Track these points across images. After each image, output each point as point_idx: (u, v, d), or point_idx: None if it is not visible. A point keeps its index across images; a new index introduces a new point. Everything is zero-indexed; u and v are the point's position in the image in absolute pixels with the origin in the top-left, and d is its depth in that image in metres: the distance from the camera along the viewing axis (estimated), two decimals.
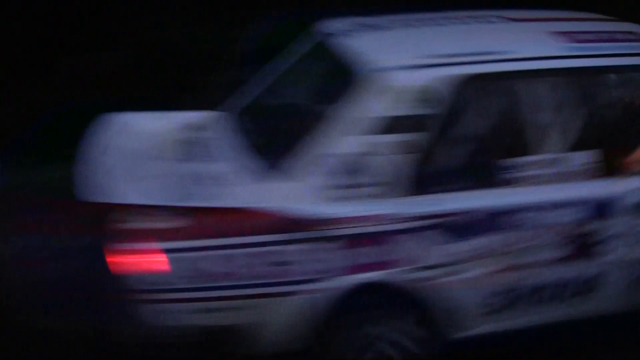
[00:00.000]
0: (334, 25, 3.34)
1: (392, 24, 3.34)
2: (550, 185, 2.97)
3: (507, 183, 2.93)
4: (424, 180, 2.83)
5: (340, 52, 3.07)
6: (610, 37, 3.27)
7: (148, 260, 2.63)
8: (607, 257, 3.02)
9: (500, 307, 2.96)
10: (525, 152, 2.95)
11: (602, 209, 3.01)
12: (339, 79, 2.96)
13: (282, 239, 2.69)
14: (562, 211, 2.96)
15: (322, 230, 2.71)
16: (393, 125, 2.79)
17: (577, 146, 3.00)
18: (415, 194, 2.82)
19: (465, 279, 2.88)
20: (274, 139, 3.02)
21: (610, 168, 3.04)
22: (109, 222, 2.62)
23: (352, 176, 2.77)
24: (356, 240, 2.75)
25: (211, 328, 2.73)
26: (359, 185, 2.78)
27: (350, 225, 2.74)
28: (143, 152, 3.07)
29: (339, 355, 2.84)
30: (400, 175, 2.80)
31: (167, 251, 2.64)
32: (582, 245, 3.00)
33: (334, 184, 2.77)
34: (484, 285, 2.91)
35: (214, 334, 2.75)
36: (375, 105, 2.80)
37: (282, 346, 2.78)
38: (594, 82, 3.06)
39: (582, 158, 3.01)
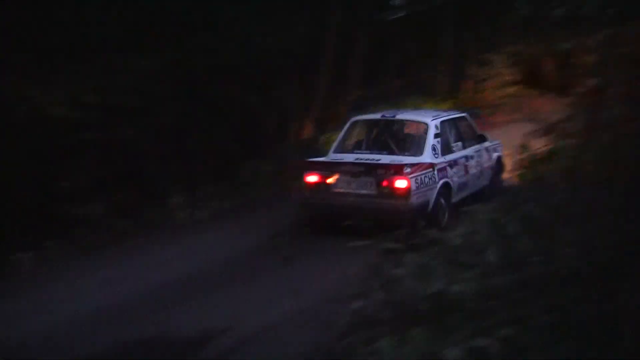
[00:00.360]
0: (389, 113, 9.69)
1: (407, 110, 9.92)
2: (461, 151, 9.89)
3: (454, 151, 9.74)
4: (443, 151, 9.40)
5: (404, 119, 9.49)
6: (449, 110, 10.49)
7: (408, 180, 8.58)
8: (472, 171, 10.11)
9: (460, 190, 9.71)
10: (454, 141, 9.81)
11: (469, 156, 10.08)
12: (415, 127, 9.37)
13: (430, 169, 8.94)
14: (465, 158, 9.91)
15: (436, 166, 9.06)
16: (436, 135, 9.32)
17: (457, 140, 10.00)
18: (443, 155, 9.36)
19: (455, 180, 9.53)
20: (410, 146, 9.21)
21: (465, 146, 10.13)
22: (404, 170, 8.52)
23: (435, 151, 9.19)
24: (440, 169, 9.15)
25: (422, 202, 8.75)
26: (436, 153, 9.21)
27: (440, 165, 9.13)
28: None
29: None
30: (440, 149, 9.32)
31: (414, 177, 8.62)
32: (469, 168, 10.00)
33: (433, 153, 9.14)
34: (457, 182, 9.60)
35: (423, 204, 8.77)
36: (433, 131, 9.31)
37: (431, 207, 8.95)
38: (455, 121, 10.16)
39: (460, 145, 10.01)
